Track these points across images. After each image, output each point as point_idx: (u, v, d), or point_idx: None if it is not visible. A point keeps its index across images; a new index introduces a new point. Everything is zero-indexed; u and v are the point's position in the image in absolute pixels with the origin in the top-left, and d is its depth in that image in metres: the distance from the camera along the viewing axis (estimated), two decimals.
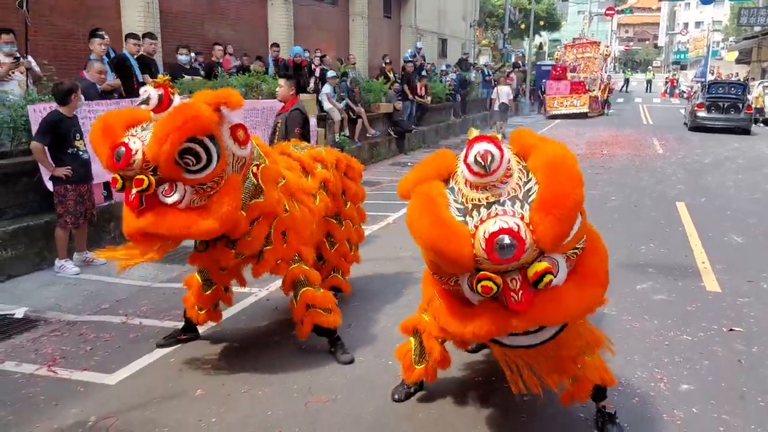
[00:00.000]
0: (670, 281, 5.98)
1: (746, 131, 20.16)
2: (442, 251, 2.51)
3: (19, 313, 5.10)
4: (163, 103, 3.45)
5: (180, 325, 4.64)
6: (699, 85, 27.96)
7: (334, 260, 5.09)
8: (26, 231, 6.08)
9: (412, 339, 3.68)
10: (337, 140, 12.24)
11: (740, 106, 20.29)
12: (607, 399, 3.44)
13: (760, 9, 31.29)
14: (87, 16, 10.53)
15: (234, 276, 4.34)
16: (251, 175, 3.85)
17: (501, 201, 2.58)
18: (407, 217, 2.67)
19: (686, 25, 73.04)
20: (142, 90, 3.50)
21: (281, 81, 6.66)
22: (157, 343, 4.52)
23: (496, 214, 2.52)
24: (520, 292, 2.57)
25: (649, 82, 48.39)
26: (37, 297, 5.51)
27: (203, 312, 4.42)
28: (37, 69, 7.51)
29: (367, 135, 13.74)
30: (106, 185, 7.16)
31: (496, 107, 19.11)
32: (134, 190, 3.37)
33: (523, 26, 36.96)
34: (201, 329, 4.68)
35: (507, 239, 2.44)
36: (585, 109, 25.63)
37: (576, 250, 2.77)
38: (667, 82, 45.38)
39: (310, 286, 4.18)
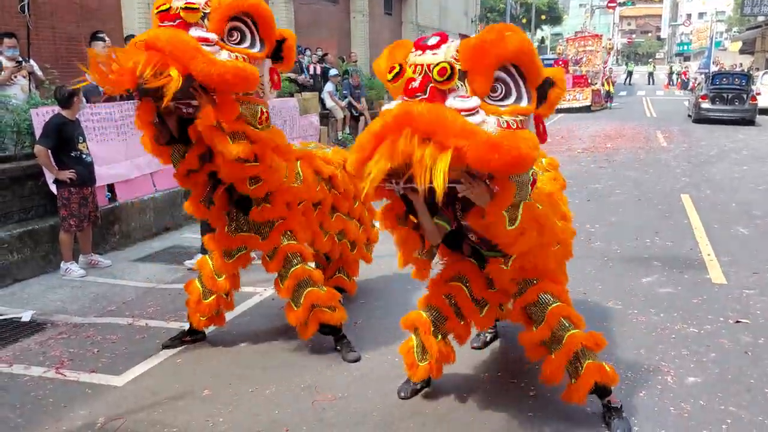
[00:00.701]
0: (675, 274, 5.97)
1: (751, 122, 20.08)
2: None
3: (26, 316, 5.12)
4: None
5: (186, 326, 4.65)
6: (702, 76, 27.81)
7: (339, 256, 5.08)
8: (31, 234, 6.10)
9: (413, 336, 3.69)
10: (339, 138, 12.26)
11: (744, 96, 20.17)
12: (612, 394, 3.44)
13: None
14: (88, 19, 10.55)
15: (233, 283, 4.37)
16: (259, 110, 3.86)
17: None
18: None
19: (689, 16, 72.72)
20: None
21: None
22: (162, 344, 4.53)
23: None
24: (419, 79, 2.72)
25: (650, 74, 47.99)
26: (43, 300, 5.53)
27: (205, 319, 4.42)
28: (39, 73, 7.54)
29: None
30: (110, 187, 7.20)
31: None
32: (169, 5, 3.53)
33: (524, 20, 36.88)
34: (207, 330, 4.69)
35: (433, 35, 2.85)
36: (587, 103, 25.55)
37: (509, 120, 2.70)
38: (676, 74, 44.85)
39: (314, 285, 4.16)
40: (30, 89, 7.17)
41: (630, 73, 46.84)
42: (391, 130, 2.60)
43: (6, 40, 7.05)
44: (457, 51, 2.76)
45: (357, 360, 4.26)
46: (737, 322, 4.83)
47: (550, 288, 3.40)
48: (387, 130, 2.61)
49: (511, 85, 2.80)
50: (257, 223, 4.15)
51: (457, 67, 2.71)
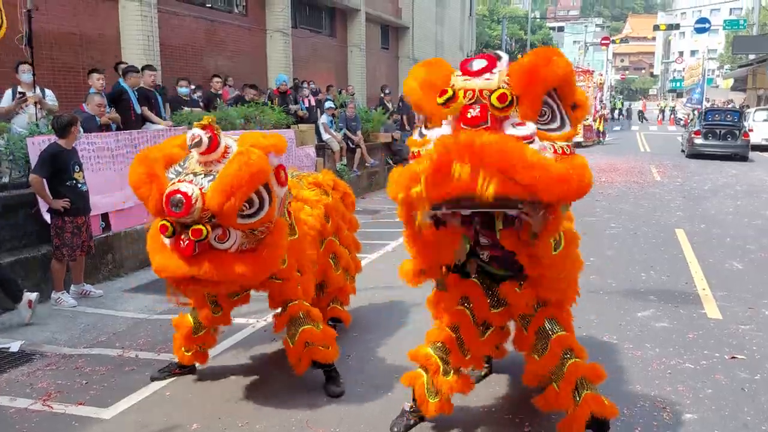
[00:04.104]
0: (671, 308, 5.94)
1: (744, 158, 20.25)
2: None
3: (14, 347, 5.05)
4: (212, 145, 3.45)
5: (176, 358, 4.58)
6: (695, 111, 28.08)
7: (335, 285, 5.05)
8: (23, 263, 6.05)
9: (423, 373, 3.58)
10: (337, 169, 12.31)
11: (737, 132, 20.39)
12: (609, 430, 3.38)
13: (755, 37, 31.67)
14: (87, 49, 10.65)
15: (225, 319, 4.35)
16: (286, 213, 3.91)
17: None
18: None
19: (681, 53, 73.89)
20: (190, 133, 3.45)
21: None
22: (151, 376, 4.46)
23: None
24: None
25: (619, 110, 47.38)
26: (33, 330, 5.46)
27: (190, 354, 4.39)
28: (52, 103, 7.54)
29: (366, 164, 13.81)
30: (104, 216, 7.17)
31: None
32: (187, 238, 3.34)
33: (519, 56, 37.42)
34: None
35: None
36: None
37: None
38: (669, 110, 45.01)
39: (310, 323, 4.08)
40: (37, 117, 7.18)
41: (614, 110, 46.62)
42: (458, 159, 2.52)
43: (22, 66, 7.19)
44: (508, 75, 2.74)
45: (340, 395, 4.16)
46: (733, 357, 4.80)
47: (556, 314, 3.39)
48: (454, 159, 2.53)
49: (555, 108, 2.82)
50: None
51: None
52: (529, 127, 2.67)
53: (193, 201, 3.26)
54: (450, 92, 2.69)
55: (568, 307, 3.64)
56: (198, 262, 3.38)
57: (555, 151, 2.70)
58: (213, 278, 3.42)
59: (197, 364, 4.59)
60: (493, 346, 3.76)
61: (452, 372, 3.51)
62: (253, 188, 3.37)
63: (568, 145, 2.77)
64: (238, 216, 3.40)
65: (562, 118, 2.83)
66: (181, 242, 3.36)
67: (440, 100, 2.70)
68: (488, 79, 2.71)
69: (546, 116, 2.77)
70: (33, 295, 5.55)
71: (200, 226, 3.30)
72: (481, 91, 2.70)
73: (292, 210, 4.24)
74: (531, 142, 2.63)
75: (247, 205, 3.41)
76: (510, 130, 2.64)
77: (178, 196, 3.27)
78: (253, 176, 3.35)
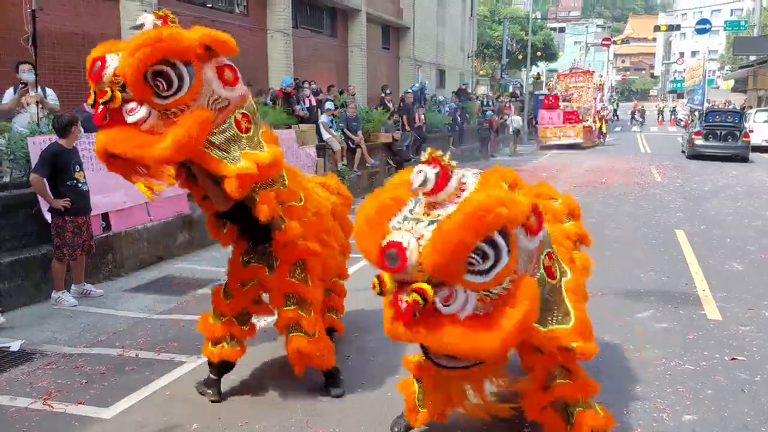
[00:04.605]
0: (671, 309, 5.94)
1: (744, 159, 20.25)
2: (358, 242, 2.86)
3: (14, 346, 5.05)
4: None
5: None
6: (696, 113, 28.06)
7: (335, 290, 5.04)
8: (23, 263, 6.06)
9: (415, 382, 3.57)
10: (339, 169, 12.31)
11: (737, 133, 20.39)
12: None
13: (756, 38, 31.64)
14: (89, 50, 10.61)
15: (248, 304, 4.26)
16: (232, 121, 3.64)
17: (427, 221, 2.70)
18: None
19: (682, 54, 73.85)
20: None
21: None
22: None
23: (404, 229, 2.71)
24: (404, 304, 2.66)
25: (615, 111, 47.02)
26: (33, 329, 5.46)
27: (216, 348, 4.18)
28: (52, 102, 7.54)
29: (366, 165, 13.81)
30: (105, 216, 7.18)
31: (510, 131, 23.11)
32: (95, 100, 3.34)
33: (520, 57, 37.40)
34: (199, 363, 4.61)
35: (392, 252, 2.65)
36: (579, 140, 25.07)
37: (490, 294, 2.70)
38: (669, 111, 44.92)
39: (302, 332, 4.01)
40: (38, 117, 7.19)
41: (614, 110, 46.29)
42: None
43: (22, 66, 7.20)
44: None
45: (340, 395, 4.17)
46: (733, 359, 4.80)
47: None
48: None
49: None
50: (267, 255, 4.07)
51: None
52: (453, 295, 2.71)
53: (107, 66, 3.34)
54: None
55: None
56: (106, 132, 3.45)
57: (482, 299, 2.69)
58: (114, 149, 3.43)
59: (199, 363, 4.57)
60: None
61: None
62: (160, 53, 3.25)
63: (488, 294, 2.71)
64: (155, 95, 3.30)
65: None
66: (98, 109, 3.38)
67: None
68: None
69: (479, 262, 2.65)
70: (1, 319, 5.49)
71: (106, 89, 3.29)
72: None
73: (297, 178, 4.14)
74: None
75: (164, 83, 3.29)
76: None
77: (97, 62, 3.36)
78: (162, 41, 3.25)
